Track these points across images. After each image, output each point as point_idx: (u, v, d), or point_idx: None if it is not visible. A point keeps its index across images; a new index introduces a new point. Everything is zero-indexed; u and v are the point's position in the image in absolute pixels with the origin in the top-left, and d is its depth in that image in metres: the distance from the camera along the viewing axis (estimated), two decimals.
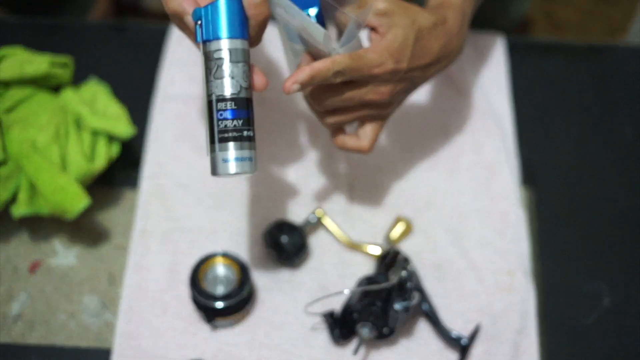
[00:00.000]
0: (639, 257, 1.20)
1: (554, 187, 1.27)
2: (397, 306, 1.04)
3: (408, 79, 1.03)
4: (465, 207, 1.23)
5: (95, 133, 1.22)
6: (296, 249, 1.14)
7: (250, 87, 0.94)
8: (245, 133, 0.93)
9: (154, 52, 1.39)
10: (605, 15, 2.32)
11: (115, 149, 1.24)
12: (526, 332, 1.12)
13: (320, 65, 0.96)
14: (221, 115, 0.92)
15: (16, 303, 1.16)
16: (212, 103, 0.93)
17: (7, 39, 1.31)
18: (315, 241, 1.20)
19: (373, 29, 1.01)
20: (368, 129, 1.06)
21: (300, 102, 1.31)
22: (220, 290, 1.10)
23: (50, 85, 1.25)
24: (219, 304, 1.08)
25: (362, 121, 1.07)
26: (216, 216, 1.22)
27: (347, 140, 1.07)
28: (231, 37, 0.92)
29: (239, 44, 0.93)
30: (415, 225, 1.21)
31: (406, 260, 1.12)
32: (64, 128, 1.19)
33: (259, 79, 0.96)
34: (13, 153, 1.16)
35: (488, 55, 1.39)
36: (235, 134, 0.92)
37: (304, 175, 1.25)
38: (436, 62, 1.04)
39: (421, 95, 1.33)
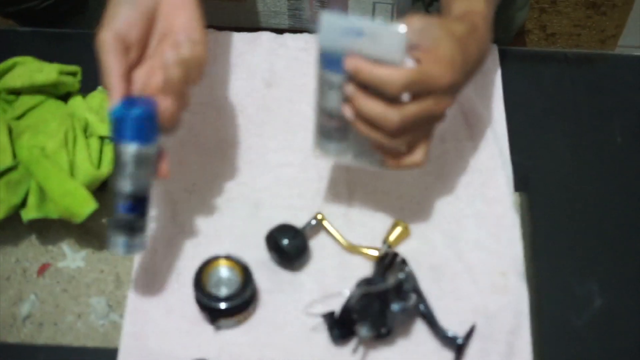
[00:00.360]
0: (629, 259, 1.23)
1: (546, 193, 1.29)
2: (395, 307, 1.07)
3: (460, 87, 1.03)
4: (461, 212, 1.26)
5: (102, 140, 1.25)
6: (297, 252, 1.17)
7: (148, 187, 1.04)
8: (136, 224, 1.05)
9: None
10: (597, 25, 2.34)
11: None
12: (519, 332, 1.14)
13: (386, 71, 0.95)
14: (118, 206, 1.03)
15: (25, 305, 1.18)
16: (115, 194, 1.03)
17: (18, 48, 1.33)
18: (316, 244, 1.22)
19: (413, 47, 1.00)
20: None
21: (302, 108, 1.34)
22: (223, 291, 1.12)
23: (59, 93, 1.28)
24: (222, 305, 1.10)
25: (417, 140, 1.05)
26: (220, 220, 1.24)
27: (403, 158, 1.06)
28: (135, 142, 1.01)
29: (142, 149, 1.01)
30: (413, 229, 1.23)
31: (404, 263, 1.15)
32: (72, 135, 1.22)
33: (163, 168, 1.04)
34: (23, 159, 1.19)
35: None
36: (126, 226, 1.04)
37: (305, 180, 1.28)
38: (475, 67, 1.05)
39: None
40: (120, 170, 1.01)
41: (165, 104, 1.01)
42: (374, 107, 0.98)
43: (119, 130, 1.00)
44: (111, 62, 1.00)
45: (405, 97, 0.98)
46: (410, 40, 0.97)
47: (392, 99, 0.98)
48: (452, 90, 1.01)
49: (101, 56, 1.00)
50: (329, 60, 0.99)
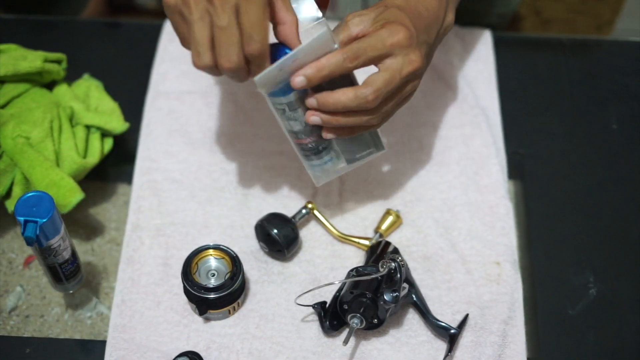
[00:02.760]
0: (624, 249, 1.22)
1: (541, 181, 1.28)
2: (387, 297, 1.05)
3: (423, 43, 1.02)
4: (455, 200, 1.24)
5: (88, 128, 1.24)
6: (288, 242, 1.15)
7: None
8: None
9: (146, 49, 1.40)
10: (592, 11, 2.33)
11: (108, 145, 1.25)
12: (513, 322, 1.13)
13: (328, 55, 0.95)
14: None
15: (11, 296, 1.17)
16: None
17: (1, 36, 1.33)
18: (306, 234, 1.21)
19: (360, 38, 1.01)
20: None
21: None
22: (212, 282, 1.11)
23: (44, 81, 1.27)
24: (211, 296, 1.09)
25: (395, 106, 1.05)
26: (208, 210, 1.23)
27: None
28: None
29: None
30: (405, 218, 1.22)
31: (396, 252, 1.14)
32: (57, 124, 1.20)
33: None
34: (7, 148, 1.18)
35: (476, 49, 1.40)
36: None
37: (295, 169, 1.27)
38: (430, 25, 1.04)
39: None
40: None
41: None
42: (343, 94, 0.98)
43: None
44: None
45: None
46: (352, 34, 0.99)
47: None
48: (413, 45, 0.99)
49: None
50: (275, 93, 1.01)
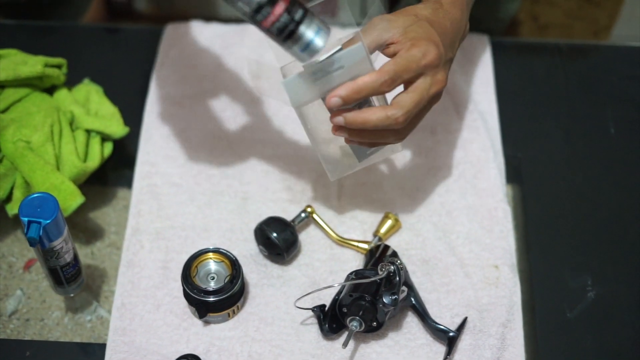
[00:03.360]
0: (622, 252, 1.22)
1: (539, 185, 1.29)
2: (386, 300, 1.06)
3: (448, 61, 1.03)
4: (453, 204, 1.25)
5: (88, 133, 1.24)
6: (287, 245, 1.16)
7: None
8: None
9: (146, 54, 1.41)
10: (590, 17, 2.33)
11: (108, 149, 1.26)
12: (512, 325, 1.13)
13: (365, 78, 0.95)
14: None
15: (11, 300, 1.17)
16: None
17: (2, 42, 1.33)
18: (306, 237, 1.21)
19: (387, 45, 1.01)
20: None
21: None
22: (211, 285, 1.11)
23: (44, 86, 1.27)
24: (211, 299, 1.09)
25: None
26: (208, 214, 1.23)
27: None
28: None
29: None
30: (404, 222, 1.22)
31: (394, 255, 1.14)
32: (58, 128, 1.21)
33: None
34: (8, 152, 1.18)
35: (474, 55, 1.41)
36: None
37: (295, 173, 1.27)
38: (455, 39, 1.05)
39: None
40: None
41: None
42: (373, 114, 0.98)
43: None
44: None
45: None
46: (380, 40, 0.99)
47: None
48: (441, 63, 1.00)
49: None
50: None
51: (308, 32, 0.91)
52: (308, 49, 0.92)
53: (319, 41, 0.91)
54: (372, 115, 0.98)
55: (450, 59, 1.05)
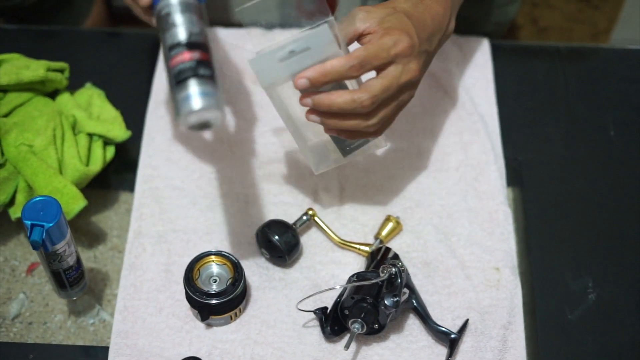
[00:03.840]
0: (623, 254, 1.22)
1: (540, 187, 1.29)
2: (387, 302, 1.06)
3: (423, 53, 1.04)
4: (454, 206, 1.25)
5: (91, 136, 1.24)
6: (289, 248, 1.16)
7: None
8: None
9: (147, 58, 1.41)
10: (589, 20, 2.34)
11: (110, 152, 1.26)
12: (513, 327, 1.14)
13: (333, 61, 0.97)
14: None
15: (14, 304, 1.18)
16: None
17: (4, 46, 1.33)
18: (307, 240, 1.22)
19: (363, 35, 1.02)
20: None
21: None
22: (214, 288, 1.12)
23: (47, 90, 1.28)
24: (213, 301, 1.10)
25: (393, 113, 1.05)
26: (210, 217, 1.23)
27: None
28: None
29: None
30: (405, 224, 1.23)
31: (396, 257, 1.15)
32: (60, 132, 1.21)
33: None
34: (11, 156, 1.18)
35: (474, 57, 1.41)
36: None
37: (296, 176, 1.27)
38: (434, 33, 1.06)
39: None
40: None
41: None
42: (339, 97, 0.99)
43: None
44: None
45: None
46: (357, 30, 1.01)
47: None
48: (414, 54, 1.01)
49: None
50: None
51: (196, 87, 0.90)
52: (186, 101, 0.89)
53: (197, 100, 0.89)
54: (338, 97, 0.99)
55: (427, 51, 1.05)
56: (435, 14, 1.07)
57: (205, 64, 0.92)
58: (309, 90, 0.99)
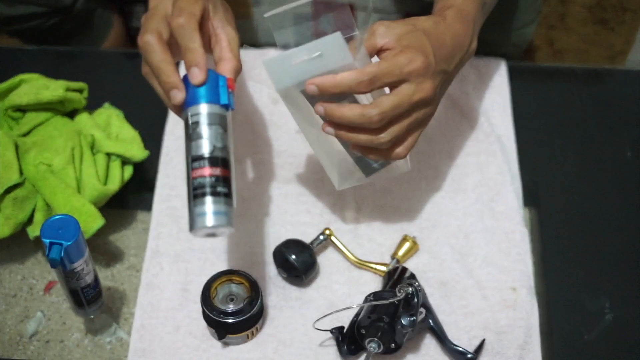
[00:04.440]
0: (639, 274, 1.22)
1: (556, 208, 1.29)
2: (404, 321, 1.06)
3: (440, 72, 1.04)
4: (470, 227, 1.25)
5: (109, 156, 1.25)
6: (305, 267, 1.16)
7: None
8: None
9: None
10: (605, 42, 2.34)
11: (128, 172, 1.27)
12: (530, 347, 1.14)
13: (346, 74, 0.97)
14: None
15: (32, 322, 1.18)
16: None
17: (23, 66, 1.34)
18: (324, 260, 1.22)
19: (382, 51, 1.03)
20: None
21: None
22: (231, 307, 1.12)
23: (65, 110, 1.29)
24: (230, 320, 1.10)
25: (408, 131, 1.06)
26: (228, 236, 1.24)
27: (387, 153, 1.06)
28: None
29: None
30: (422, 244, 1.23)
31: (412, 277, 1.15)
32: (79, 151, 1.22)
33: None
34: (29, 175, 1.19)
35: (491, 79, 1.41)
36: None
37: (313, 196, 1.28)
38: (453, 53, 1.06)
39: None
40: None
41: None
42: (350, 110, 0.99)
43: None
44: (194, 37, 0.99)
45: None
46: (377, 45, 1.01)
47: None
48: (429, 74, 1.01)
49: (183, 39, 0.99)
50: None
51: (211, 205, 0.95)
52: (200, 217, 0.95)
53: (210, 219, 0.94)
54: (349, 110, 0.99)
55: (445, 71, 1.05)
56: (457, 33, 1.07)
57: (223, 181, 0.96)
58: (319, 97, 1.00)
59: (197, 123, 0.97)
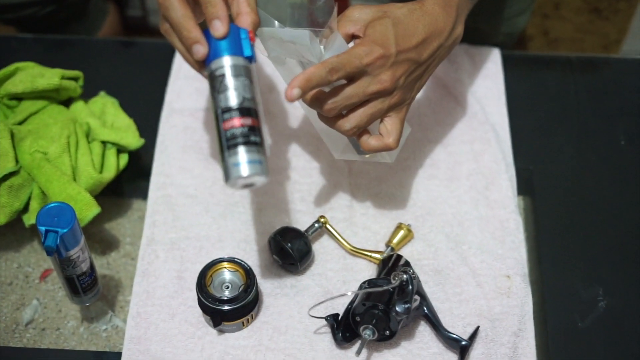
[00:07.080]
0: (633, 262, 1.22)
1: (551, 196, 1.29)
2: (399, 308, 1.06)
3: (405, 62, 1.04)
4: (465, 215, 1.26)
5: (104, 144, 1.25)
6: (300, 255, 1.16)
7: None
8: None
9: (161, 67, 1.42)
10: (600, 31, 2.34)
11: (123, 160, 1.27)
12: (524, 335, 1.14)
13: (313, 68, 0.99)
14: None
15: (28, 310, 1.18)
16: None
17: (19, 55, 1.34)
18: (319, 247, 1.22)
19: (354, 37, 1.05)
20: (388, 125, 1.08)
21: (303, 114, 1.34)
22: (226, 294, 1.12)
23: (61, 98, 1.29)
24: (225, 307, 1.10)
25: (381, 119, 1.08)
26: (222, 224, 1.24)
27: (371, 141, 1.08)
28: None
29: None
30: (416, 232, 1.23)
31: (407, 265, 1.15)
32: (74, 139, 1.22)
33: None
34: (25, 163, 1.19)
35: (485, 67, 1.42)
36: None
37: (308, 184, 1.28)
38: (426, 41, 1.06)
39: (420, 105, 1.36)
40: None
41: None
42: (310, 95, 1.03)
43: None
44: None
45: None
46: (349, 32, 1.06)
47: None
48: (386, 65, 1.03)
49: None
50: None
51: (245, 155, 0.95)
52: (235, 168, 0.95)
53: (245, 168, 0.95)
54: (310, 95, 1.03)
55: (414, 60, 1.05)
56: (435, 19, 1.07)
57: (255, 131, 0.96)
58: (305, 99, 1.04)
59: (223, 76, 0.97)
